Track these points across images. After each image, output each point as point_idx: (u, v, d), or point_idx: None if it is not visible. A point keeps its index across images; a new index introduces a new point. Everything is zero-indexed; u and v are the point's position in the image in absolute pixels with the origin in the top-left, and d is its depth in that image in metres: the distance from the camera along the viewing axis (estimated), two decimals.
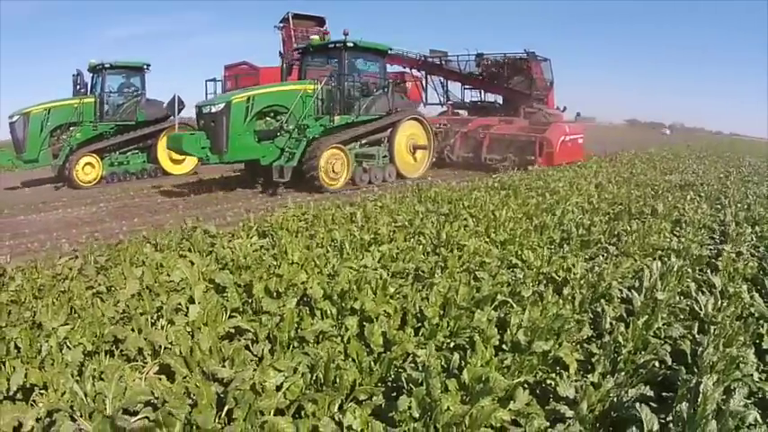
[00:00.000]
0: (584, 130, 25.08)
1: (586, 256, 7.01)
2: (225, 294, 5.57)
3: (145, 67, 21.30)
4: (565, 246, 7.48)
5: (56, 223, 12.49)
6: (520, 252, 6.92)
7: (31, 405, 3.97)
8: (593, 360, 4.10)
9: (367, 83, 19.03)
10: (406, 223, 8.82)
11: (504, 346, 4.25)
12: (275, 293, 5.47)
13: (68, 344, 4.76)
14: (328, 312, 4.97)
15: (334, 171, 16.80)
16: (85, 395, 3.83)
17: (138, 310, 5.34)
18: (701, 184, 15.49)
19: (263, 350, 4.50)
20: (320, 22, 30.34)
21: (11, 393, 4.13)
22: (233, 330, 4.91)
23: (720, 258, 7.00)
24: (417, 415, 3.30)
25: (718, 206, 11.45)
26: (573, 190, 12.65)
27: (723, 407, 3.31)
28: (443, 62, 30.27)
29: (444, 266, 6.27)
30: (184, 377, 4.11)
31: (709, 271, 6.37)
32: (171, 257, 7.18)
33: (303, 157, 16.24)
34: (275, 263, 6.49)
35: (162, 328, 4.97)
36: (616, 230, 8.28)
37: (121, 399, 3.81)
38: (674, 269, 6.04)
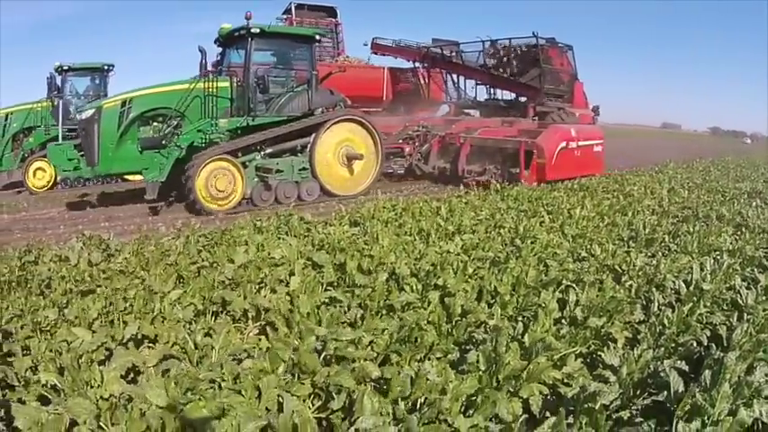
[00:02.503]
0: (603, 136, 19.65)
1: (649, 253, 7.48)
2: (321, 271, 6.24)
3: (105, 68, 20.40)
4: (631, 243, 7.98)
5: None
6: (588, 246, 7.46)
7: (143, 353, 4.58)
8: (639, 337, 4.65)
9: (287, 77, 15.82)
10: (488, 217, 9.47)
11: (562, 320, 4.87)
12: (366, 271, 6.11)
13: (179, 304, 5.39)
14: (414, 288, 5.59)
15: (218, 189, 13.79)
16: (195, 345, 4.46)
17: (244, 278, 6.03)
18: None
19: (355, 315, 5.11)
20: (330, 12, 28.71)
21: (124, 341, 4.69)
22: (328, 300, 5.49)
23: None
24: (484, 367, 3.84)
25: None
26: (646, 193, 12.99)
27: (742, 378, 3.73)
28: (454, 53, 25.82)
29: (518, 255, 6.86)
30: (285, 335, 4.66)
31: (757, 271, 6.74)
32: (271, 239, 7.87)
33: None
34: (367, 246, 7.09)
35: (264, 296, 5.64)
36: (680, 231, 8.69)
37: (227, 349, 4.45)
38: (724, 266, 6.50)
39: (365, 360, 4.06)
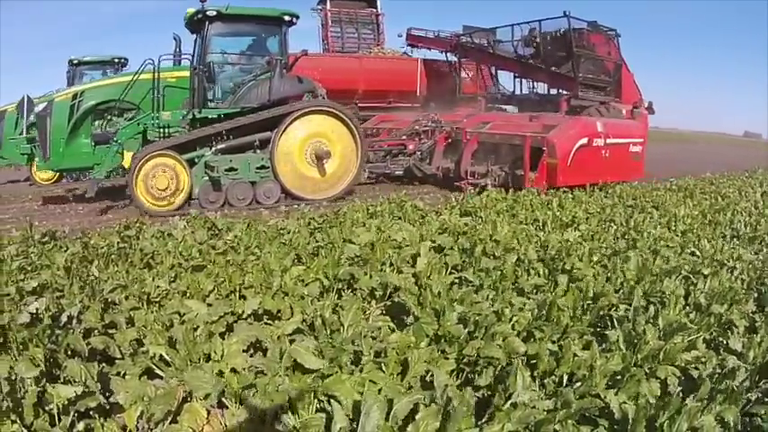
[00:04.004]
0: (644, 134, 16.87)
1: (753, 251, 7.68)
2: (445, 254, 6.40)
3: (117, 61, 20.00)
4: (734, 240, 8.18)
5: None
6: (696, 241, 7.67)
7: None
8: (756, 325, 4.86)
9: (252, 64, 14.51)
10: (599, 210, 9.74)
11: (687, 308, 5.07)
12: (491, 255, 6.33)
13: (300, 281, 5.51)
14: (541, 272, 5.83)
15: (158, 188, 12.69)
16: (323, 321, 4.39)
17: (372, 257, 6.18)
18: None
19: (487, 296, 5.11)
20: (370, 2, 27.52)
21: (244, 316, 4.75)
22: (456, 281, 5.64)
23: None
24: (623, 346, 4.07)
25: None
26: (741, 196, 12.97)
27: None
28: (487, 41, 22.69)
29: (634, 246, 7.10)
30: (415, 315, 4.62)
31: None
32: (388, 222, 8.07)
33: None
34: (489, 232, 7.35)
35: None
36: None
37: (357, 326, 4.36)
38: None
39: (511, 336, 4.13)
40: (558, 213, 9.14)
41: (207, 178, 13.20)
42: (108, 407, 3.57)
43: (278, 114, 13.76)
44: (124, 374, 3.87)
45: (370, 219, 8.73)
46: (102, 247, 7.02)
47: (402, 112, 21.07)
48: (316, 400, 3.42)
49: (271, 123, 13.79)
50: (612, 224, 8.76)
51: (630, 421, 3.16)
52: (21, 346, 4.12)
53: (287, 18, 14.10)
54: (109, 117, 13.91)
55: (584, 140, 13.99)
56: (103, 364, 3.96)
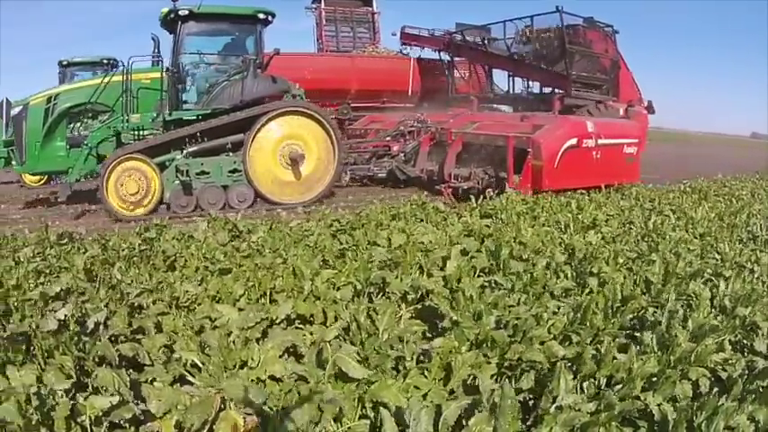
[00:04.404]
0: (640, 134, 16.06)
1: None
2: (473, 257, 6.43)
3: (106, 62, 19.75)
4: (751, 243, 8.28)
5: None
6: (714, 244, 7.78)
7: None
8: None
9: (227, 64, 14.33)
10: (618, 212, 9.85)
11: (712, 309, 5.19)
12: (518, 257, 6.42)
13: (334, 284, 5.46)
14: (569, 275, 5.95)
15: (128, 192, 12.59)
16: (358, 326, 4.35)
17: (403, 261, 6.14)
18: None
19: (518, 300, 5.15)
20: (366, 0, 27.48)
21: (277, 321, 4.64)
22: (485, 285, 5.62)
23: None
24: (657, 347, 4.20)
25: None
26: (754, 198, 13.01)
27: None
28: (481, 39, 22.13)
29: (656, 249, 7.17)
30: (453, 320, 4.49)
31: None
32: (412, 225, 8.13)
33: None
34: (512, 234, 7.46)
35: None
36: None
37: (392, 330, 4.32)
38: None
39: (548, 340, 4.20)
40: (579, 215, 9.27)
41: (178, 182, 13.10)
42: (142, 417, 3.50)
43: (251, 116, 13.64)
44: (151, 381, 3.84)
45: (393, 221, 8.80)
46: (123, 249, 7.09)
47: (394, 112, 21.05)
48: (360, 407, 3.43)
49: (245, 125, 13.67)
50: (632, 226, 8.87)
51: (671, 422, 3.27)
52: (46, 354, 4.02)
53: (261, 16, 13.94)
54: (84, 120, 14.27)
55: (573, 141, 13.40)
56: (130, 371, 3.87)
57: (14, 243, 8.05)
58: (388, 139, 17.79)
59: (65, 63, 20.07)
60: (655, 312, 5.02)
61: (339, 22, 26.66)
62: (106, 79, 13.25)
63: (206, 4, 13.08)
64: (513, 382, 3.74)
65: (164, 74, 13.34)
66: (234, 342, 4.14)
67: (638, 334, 4.58)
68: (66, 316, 4.43)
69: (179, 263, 6.59)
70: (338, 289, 5.42)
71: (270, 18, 14.15)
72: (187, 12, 12.89)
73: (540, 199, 10.97)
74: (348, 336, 4.38)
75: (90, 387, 3.66)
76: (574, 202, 10.76)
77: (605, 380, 3.87)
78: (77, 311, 4.60)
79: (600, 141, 13.78)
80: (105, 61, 19.84)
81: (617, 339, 4.45)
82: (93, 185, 13.68)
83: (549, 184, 12.70)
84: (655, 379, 3.80)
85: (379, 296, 5.52)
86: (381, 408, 3.28)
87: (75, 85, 14.03)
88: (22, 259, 6.69)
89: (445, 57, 24.37)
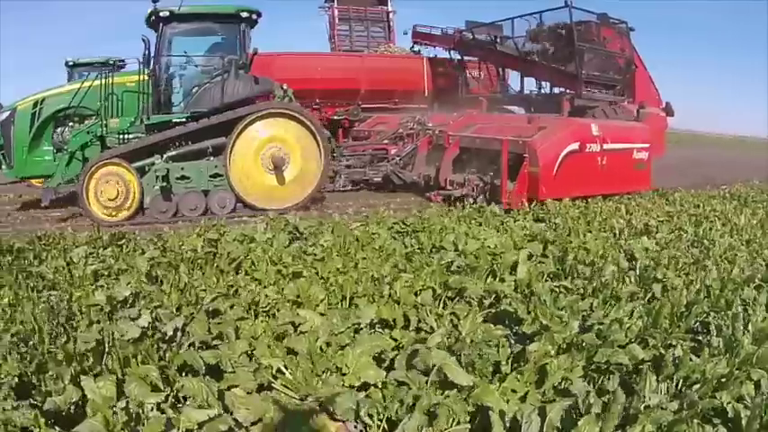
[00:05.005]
0: (652, 138, 14.55)
1: None
2: (540, 262, 6.83)
3: (113, 63, 17.91)
4: None
5: None
6: (760, 251, 8.02)
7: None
8: None
9: (210, 65, 13.74)
10: (667, 218, 10.14)
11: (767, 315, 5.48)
12: (582, 262, 6.79)
13: (412, 288, 5.55)
14: (631, 279, 6.32)
15: (108, 197, 12.33)
16: (449, 333, 4.49)
17: (480, 265, 6.39)
18: None
19: (591, 304, 5.45)
20: None
21: (362, 326, 4.71)
22: (554, 289, 5.84)
23: None
24: (723, 350, 4.53)
25: None
26: None
27: None
28: (494, 38, 20.75)
29: (708, 255, 7.50)
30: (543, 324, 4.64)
31: None
32: (475, 229, 8.42)
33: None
34: (579, 241, 7.79)
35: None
36: None
37: (475, 335, 4.50)
38: None
39: (628, 344, 4.41)
40: (631, 221, 9.61)
41: (158, 188, 12.77)
42: (236, 429, 3.48)
43: (232, 118, 13.13)
44: (230, 388, 3.87)
45: (458, 224, 9.06)
46: (187, 252, 7.20)
47: (405, 113, 19.60)
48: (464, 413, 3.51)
49: (228, 128, 13.18)
50: (683, 232, 9.15)
51: (745, 419, 3.61)
52: (123, 363, 3.95)
53: (245, 15, 13.35)
54: (71, 124, 13.69)
55: (575, 146, 12.27)
56: (207, 377, 3.86)
57: (64, 242, 8.26)
58: (385, 141, 17.23)
59: (71, 63, 19.94)
60: (716, 317, 5.35)
61: (353, 22, 26.12)
62: (88, 83, 13.01)
63: (187, 4, 12.81)
64: (603, 382, 4.01)
65: (142, 76, 13.00)
66: (322, 348, 4.22)
67: (700, 337, 4.95)
68: (149, 323, 4.46)
69: (245, 265, 6.67)
70: (417, 294, 5.53)
71: (254, 17, 13.59)
72: (168, 13, 12.62)
73: (590, 204, 11.34)
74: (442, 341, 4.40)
75: (171, 397, 3.61)
76: (623, 206, 11.12)
77: (681, 381, 4.14)
78: (149, 317, 4.63)
79: (606, 146, 12.71)
80: (112, 62, 18.57)
81: (685, 342, 4.73)
82: (70, 189, 13.42)
83: (546, 194, 11.71)
84: (724, 380, 4.08)
85: (455, 300, 5.63)
86: (490, 412, 3.40)
87: (60, 90, 13.80)
88: (75, 260, 6.89)
89: (456, 56, 23.50)
